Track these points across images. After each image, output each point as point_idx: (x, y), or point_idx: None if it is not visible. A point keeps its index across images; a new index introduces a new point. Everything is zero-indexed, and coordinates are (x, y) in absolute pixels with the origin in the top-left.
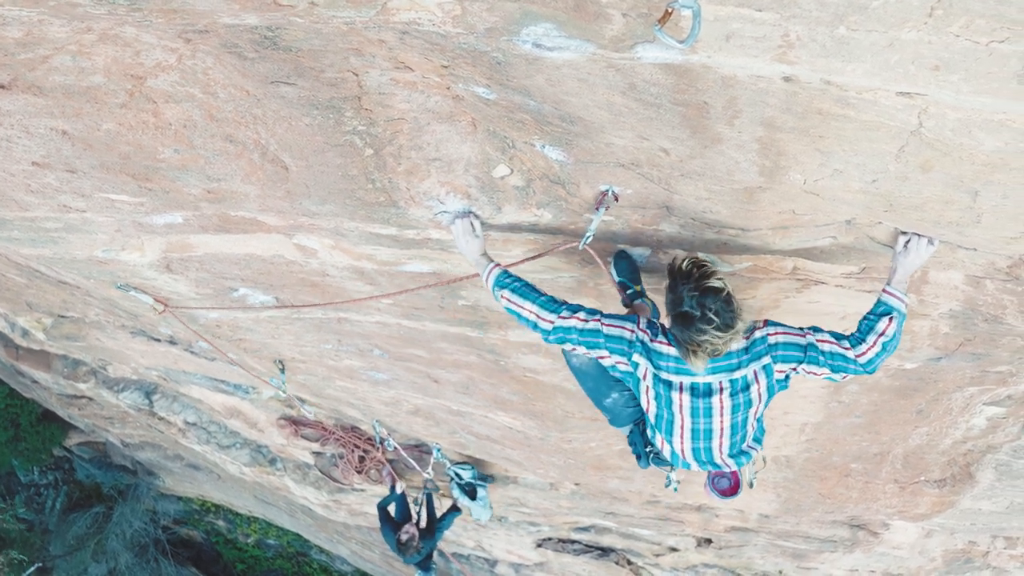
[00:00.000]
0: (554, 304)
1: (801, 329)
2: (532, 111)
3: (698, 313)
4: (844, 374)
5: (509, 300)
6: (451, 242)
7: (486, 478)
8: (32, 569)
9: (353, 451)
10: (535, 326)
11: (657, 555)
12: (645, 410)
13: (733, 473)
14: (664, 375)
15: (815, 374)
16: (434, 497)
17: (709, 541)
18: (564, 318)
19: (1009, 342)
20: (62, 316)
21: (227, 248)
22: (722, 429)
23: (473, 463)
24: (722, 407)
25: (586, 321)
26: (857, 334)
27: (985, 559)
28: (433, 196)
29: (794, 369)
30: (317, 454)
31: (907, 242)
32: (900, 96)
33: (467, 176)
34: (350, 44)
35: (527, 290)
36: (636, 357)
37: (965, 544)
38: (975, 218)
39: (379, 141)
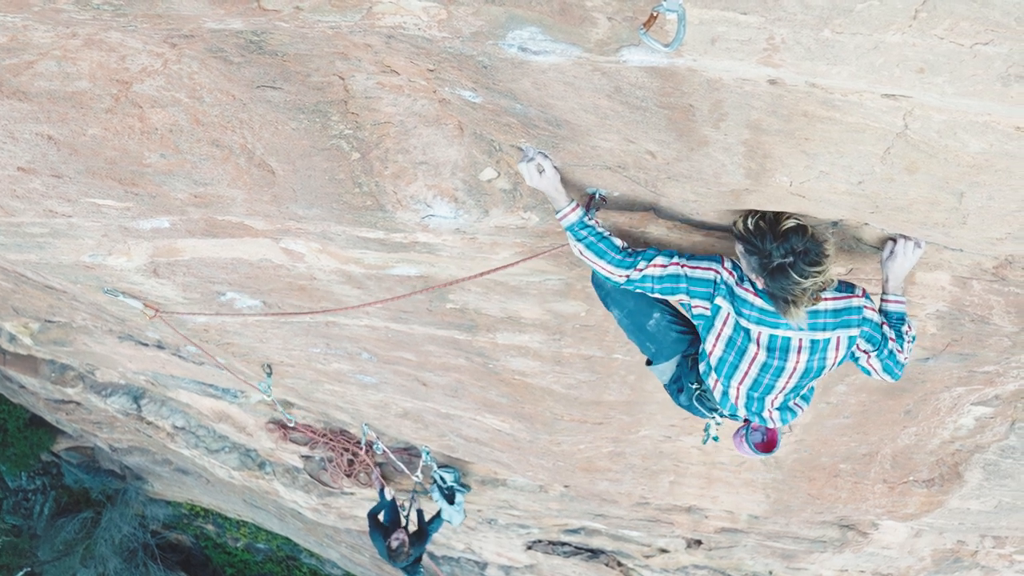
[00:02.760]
0: (629, 259)
1: (881, 313)
2: (518, 114)
3: (791, 259)
4: (887, 375)
5: (582, 254)
6: (438, 245)
7: (465, 486)
8: (21, 574)
9: (342, 454)
10: (606, 279)
11: (647, 556)
12: (708, 352)
13: (770, 429)
14: (744, 323)
15: (869, 366)
16: (418, 500)
17: (699, 542)
18: (640, 270)
19: (996, 342)
20: (49, 321)
21: (214, 252)
22: (784, 387)
23: (459, 466)
24: (795, 369)
25: (665, 267)
26: (897, 340)
27: (974, 558)
28: (420, 199)
29: (865, 352)
30: (306, 458)
31: (893, 248)
32: (885, 98)
33: (454, 179)
34: (336, 48)
35: (602, 246)
36: (719, 300)
37: (954, 543)
38: (961, 219)
39: (366, 145)
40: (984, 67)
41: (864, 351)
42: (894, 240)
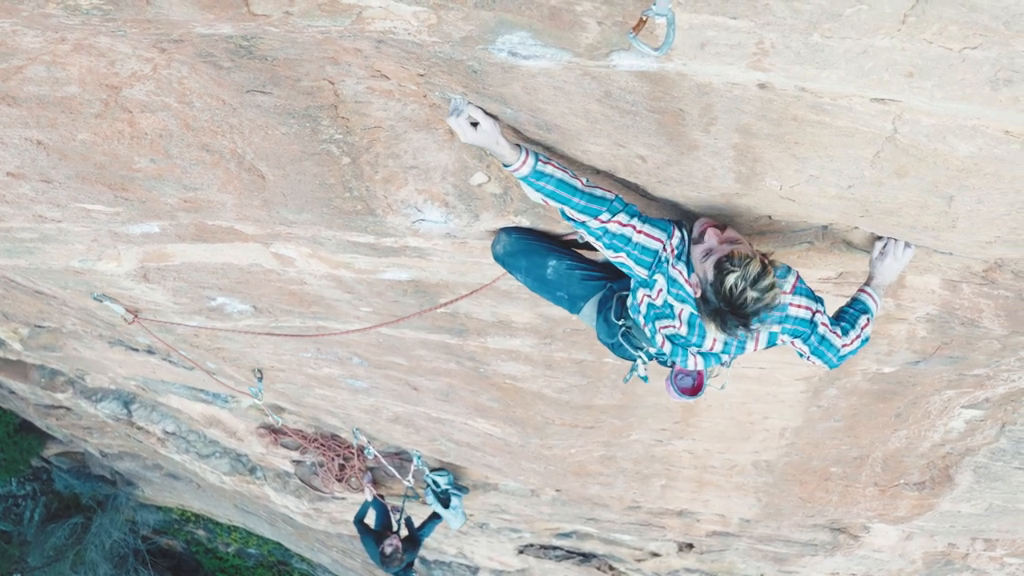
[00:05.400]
0: (593, 205)
1: (815, 300)
2: (509, 119)
3: (738, 317)
4: (820, 360)
5: (545, 202)
6: (429, 249)
7: (462, 488)
8: None
9: (333, 459)
10: (565, 215)
11: (639, 560)
12: (638, 302)
13: (698, 372)
14: (671, 300)
15: (798, 349)
16: (407, 507)
17: (691, 546)
18: (602, 221)
19: (985, 345)
20: (39, 326)
21: (204, 257)
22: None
23: (451, 470)
24: (712, 347)
25: (623, 226)
26: (844, 324)
27: (965, 561)
28: (411, 204)
29: (792, 343)
30: (297, 462)
31: (884, 247)
32: (875, 102)
33: (445, 184)
34: (326, 53)
35: (563, 193)
36: (658, 276)
37: (945, 546)
38: (950, 222)
39: (356, 149)
40: (973, 71)
41: (791, 342)
42: (884, 240)
